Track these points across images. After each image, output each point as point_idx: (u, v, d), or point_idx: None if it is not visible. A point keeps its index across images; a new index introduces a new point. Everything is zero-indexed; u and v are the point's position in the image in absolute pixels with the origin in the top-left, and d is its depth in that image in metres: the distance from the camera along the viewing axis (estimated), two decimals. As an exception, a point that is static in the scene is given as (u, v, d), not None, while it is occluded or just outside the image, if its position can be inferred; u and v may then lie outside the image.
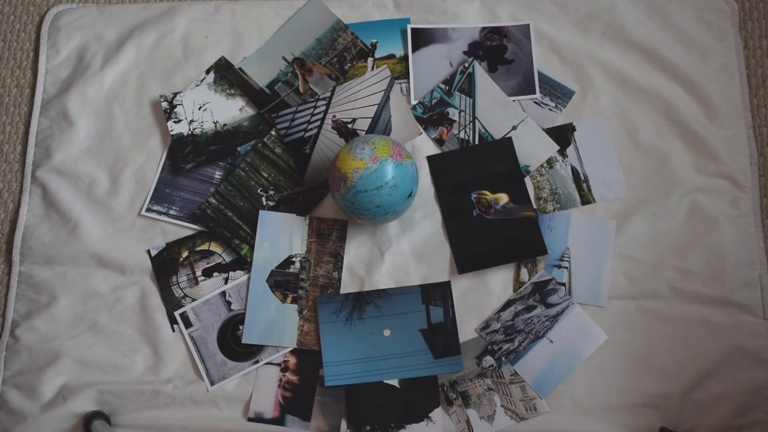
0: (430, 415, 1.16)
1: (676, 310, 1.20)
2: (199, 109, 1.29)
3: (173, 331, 1.21)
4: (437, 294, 1.20)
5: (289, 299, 1.20)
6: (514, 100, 1.28)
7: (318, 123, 1.27)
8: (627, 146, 1.27)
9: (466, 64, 1.29)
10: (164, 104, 1.29)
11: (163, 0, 1.37)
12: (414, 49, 1.31)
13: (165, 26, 1.33)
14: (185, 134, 1.27)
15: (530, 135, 1.26)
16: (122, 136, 1.29)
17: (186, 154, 1.27)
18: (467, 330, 1.20)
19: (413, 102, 1.28)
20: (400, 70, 1.30)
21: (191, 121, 1.28)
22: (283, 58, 1.31)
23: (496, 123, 1.27)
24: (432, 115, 1.28)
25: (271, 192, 1.25)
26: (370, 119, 1.27)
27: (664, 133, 1.27)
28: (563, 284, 1.21)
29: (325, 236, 1.23)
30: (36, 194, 1.28)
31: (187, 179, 1.27)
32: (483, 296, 1.21)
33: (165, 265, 1.23)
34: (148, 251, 1.24)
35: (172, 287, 1.23)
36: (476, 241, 1.22)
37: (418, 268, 1.22)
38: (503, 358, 1.18)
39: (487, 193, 1.23)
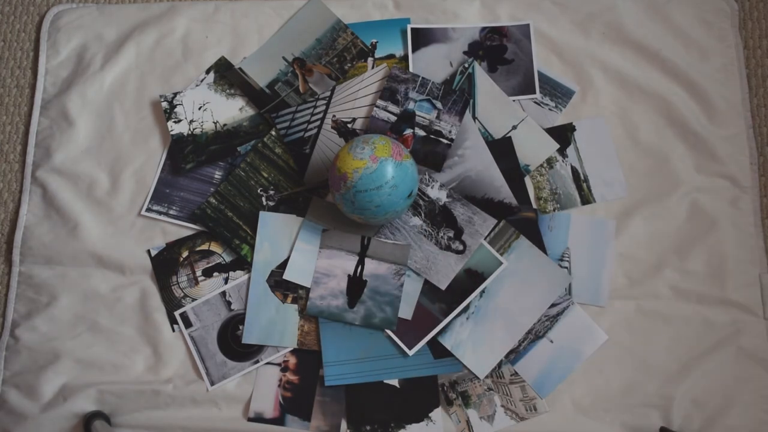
0: (430, 415, 1.16)
1: (676, 310, 1.20)
2: (199, 109, 1.28)
3: (173, 331, 1.21)
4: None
5: (289, 299, 1.20)
6: (514, 100, 1.28)
7: (318, 123, 1.27)
8: (627, 146, 1.27)
9: (466, 64, 1.29)
10: (164, 104, 1.29)
11: (163, 0, 1.37)
12: (414, 49, 1.31)
13: (165, 26, 1.33)
14: (185, 134, 1.27)
15: (530, 135, 1.26)
16: (122, 136, 1.29)
17: (186, 154, 1.27)
18: (467, 330, 1.20)
19: (413, 102, 1.28)
20: (400, 70, 1.30)
21: (191, 121, 1.28)
22: (283, 58, 1.31)
23: (496, 123, 1.27)
24: (432, 115, 1.28)
25: (271, 192, 1.25)
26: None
27: (664, 133, 1.27)
28: (563, 284, 1.21)
29: (325, 236, 1.23)
30: (36, 194, 1.28)
31: (187, 179, 1.27)
32: (483, 296, 1.21)
33: (165, 265, 1.23)
34: (148, 251, 1.24)
35: (172, 287, 1.23)
36: (476, 241, 1.22)
37: (418, 268, 1.22)
38: (503, 358, 1.18)
39: (487, 193, 1.23)
